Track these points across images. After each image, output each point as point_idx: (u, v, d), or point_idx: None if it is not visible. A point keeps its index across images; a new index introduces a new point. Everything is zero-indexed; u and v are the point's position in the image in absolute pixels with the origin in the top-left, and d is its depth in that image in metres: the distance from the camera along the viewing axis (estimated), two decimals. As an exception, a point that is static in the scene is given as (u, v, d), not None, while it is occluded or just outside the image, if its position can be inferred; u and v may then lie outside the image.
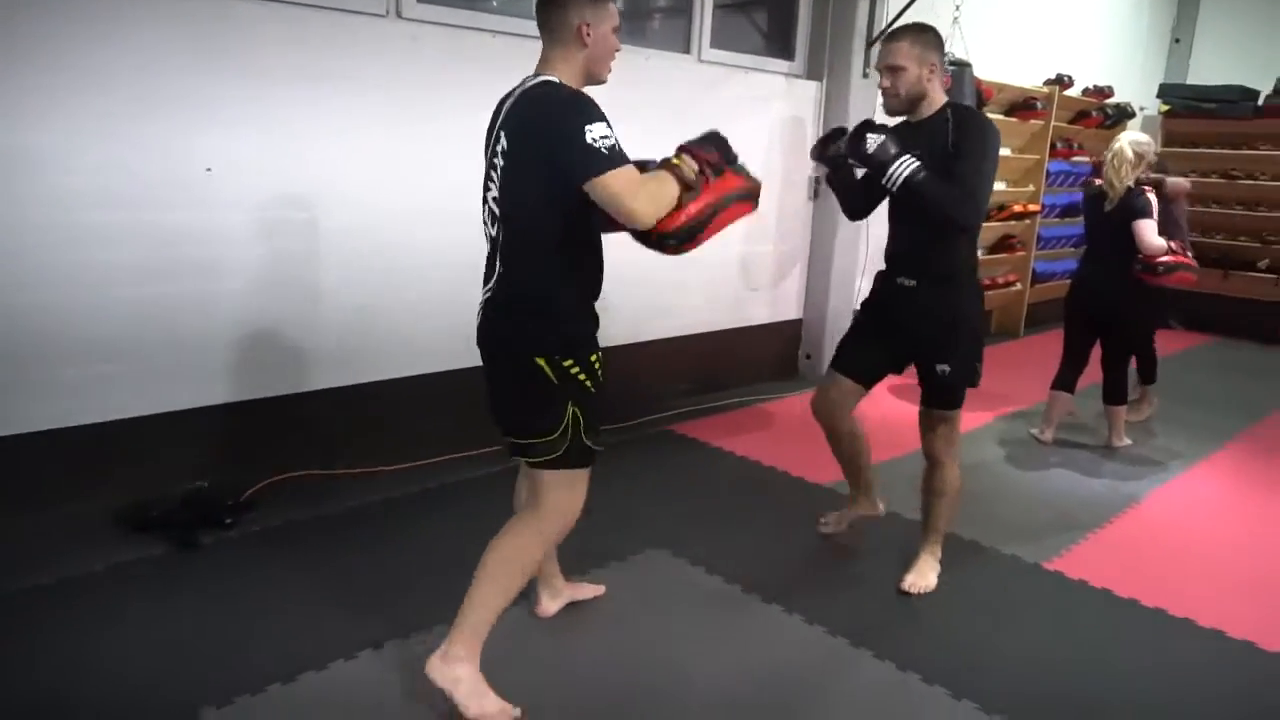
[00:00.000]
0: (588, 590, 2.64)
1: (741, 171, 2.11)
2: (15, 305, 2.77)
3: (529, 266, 1.97)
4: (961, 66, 4.86)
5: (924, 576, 2.82)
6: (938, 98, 2.54)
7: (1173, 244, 3.99)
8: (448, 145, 3.51)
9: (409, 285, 3.57)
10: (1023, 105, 6.37)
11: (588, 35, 1.94)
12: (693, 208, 1.97)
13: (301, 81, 3.18)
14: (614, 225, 1.95)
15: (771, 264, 5.17)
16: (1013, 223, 6.63)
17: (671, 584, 2.80)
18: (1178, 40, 8.53)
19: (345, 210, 3.37)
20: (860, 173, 2.71)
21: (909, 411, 4.44)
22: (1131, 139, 3.99)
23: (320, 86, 3.23)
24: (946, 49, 4.87)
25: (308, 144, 3.24)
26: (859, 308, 2.98)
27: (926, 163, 2.40)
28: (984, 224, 6.51)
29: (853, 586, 2.86)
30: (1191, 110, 7.72)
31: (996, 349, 6.59)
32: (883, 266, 2.78)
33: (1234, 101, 7.45)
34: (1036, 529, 3.35)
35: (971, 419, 4.70)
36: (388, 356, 3.59)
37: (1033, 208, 6.60)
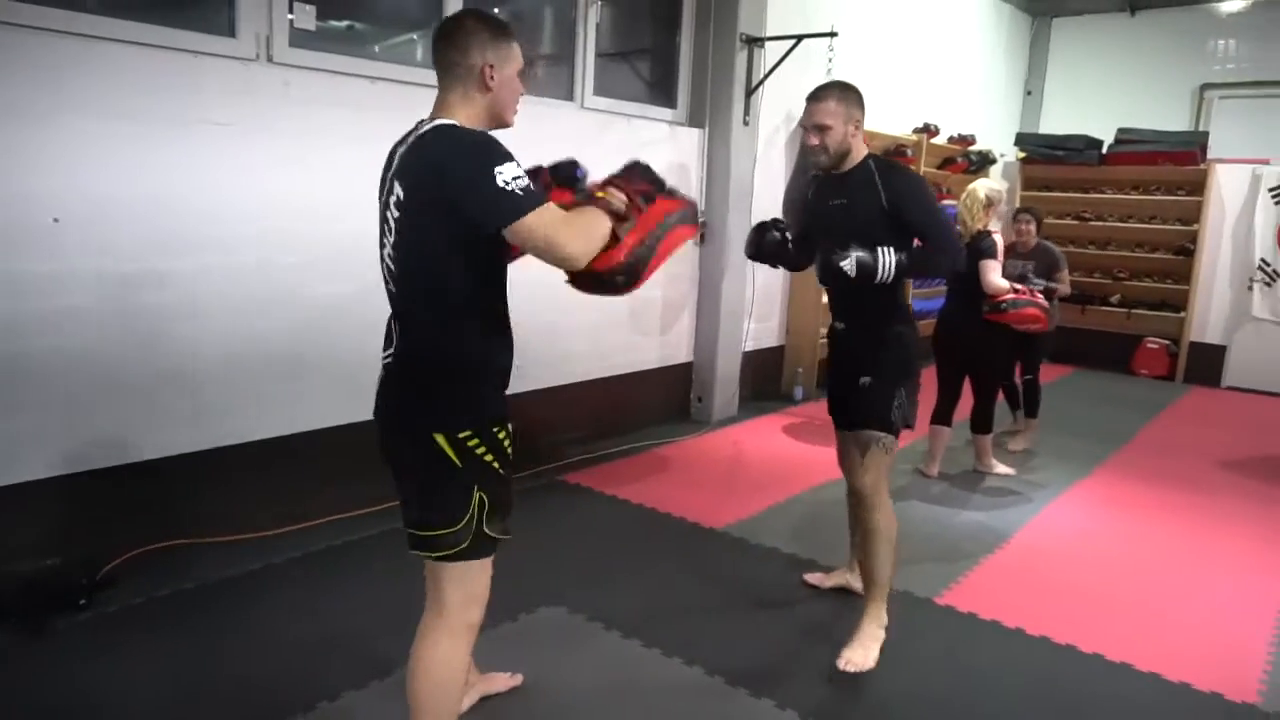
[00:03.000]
0: (502, 681, 2.43)
1: (674, 194, 1.98)
2: None
3: (431, 329, 1.77)
4: (836, 115, 5.04)
5: (864, 648, 2.63)
6: (860, 151, 2.62)
7: (1018, 285, 4.25)
8: (322, 191, 3.39)
9: (280, 337, 3.40)
10: (894, 152, 6.67)
11: (491, 78, 1.79)
12: (631, 239, 1.83)
13: (164, 126, 3.01)
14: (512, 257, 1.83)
15: (660, 308, 5.20)
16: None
17: (567, 642, 2.71)
18: (1030, 92, 9.17)
19: (208, 258, 3.19)
20: (788, 234, 2.78)
21: (799, 450, 4.45)
22: (985, 184, 4.24)
23: (186, 131, 3.07)
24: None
25: (170, 190, 3.06)
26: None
27: (858, 213, 2.53)
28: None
29: (752, 633, 2.84)
30: (1044, 157, 8.26)
31: (880, 385, 6.79)
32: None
33: (1080, 150, 8.03)
34: (926, 563, 3.42)
35: (860, 456, 4.80)
36: (259, 413, 3.39)
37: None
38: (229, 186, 3.20)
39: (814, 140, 2.59)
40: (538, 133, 4.36)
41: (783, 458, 4.73)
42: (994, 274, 4.10)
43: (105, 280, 2.96)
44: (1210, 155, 7.52)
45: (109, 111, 2.89)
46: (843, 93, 2.60)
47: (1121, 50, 8.52)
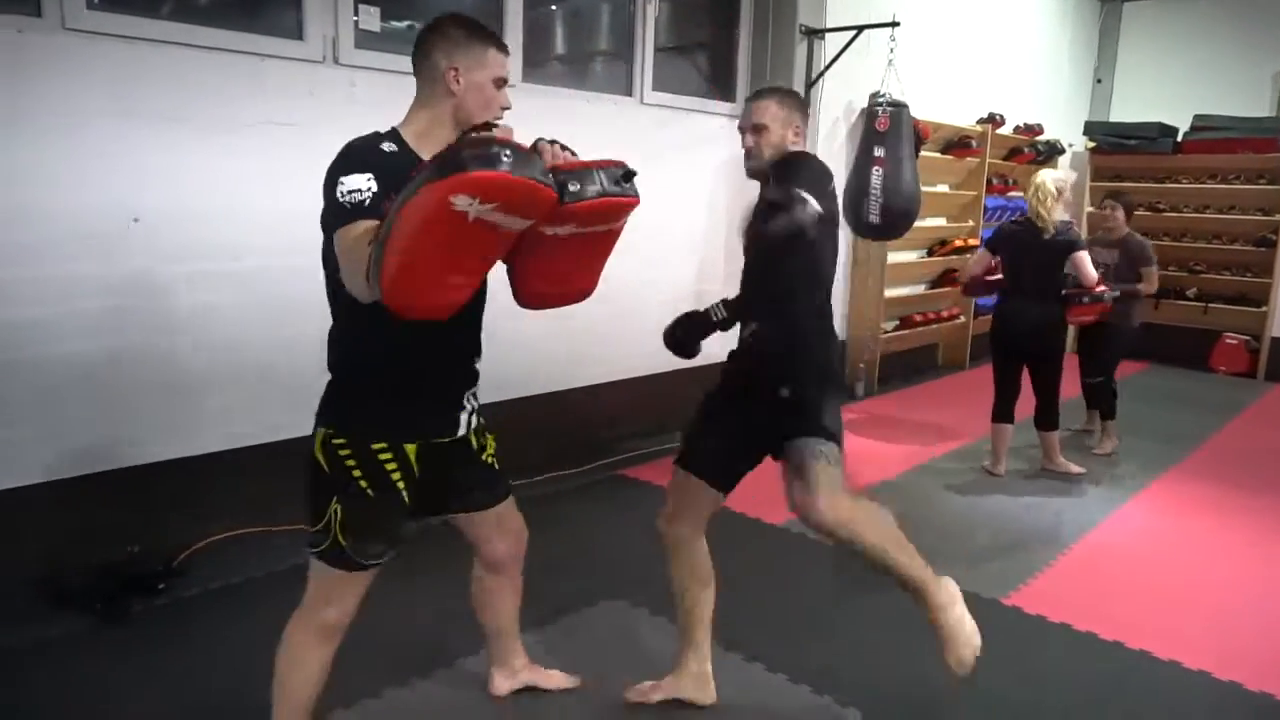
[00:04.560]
0: (556, 679, 2.40)
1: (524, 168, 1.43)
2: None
3: (335, 337, 1.79)
4: (899, 107, 4.96)
5: (960, 645, 2.19)
6: None
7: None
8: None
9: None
10: (958, 143, 6.54)
11: (456, 82, 1.72)
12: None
13: (231, 128, 3.10)
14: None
15: (719, 303, 5.16)
16: (954, 257, 6.76)
17: (631, 636, 2.72)
18: (1099, 80, 8.88)
19: (283, 259, 3.27)
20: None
21: (860, 447, 4.41)
22: (1052, 175, 4.15)
23: (252, 133, 3.15)
24: (883, 90, 5.01)
25: (238, 190, 3.15)
26: None
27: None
28: (929, 258, 6.65)
29: (814, 631, 2.82)
30: (1115, 147, 8.01)
31: (942, 382, 6.68)
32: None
33: (1153, 138, 7.76)
34: (992, 564, 3.34)
35: (920, 453, 4.73)
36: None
37: (972, 242, 6.74)
38: (296, 187, 3.27)
39: (749, 142, 2.30)
40: (598, 129, 4.40)
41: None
42: (1090, 265, 4.07)
43: (190, 278, 3.06)
44: (1293, 142, 7.20)
45: (176, 115, 2.98)
46: (784, 95, 2.34)
47: (1197, 35, 8.19)
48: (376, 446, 1.74)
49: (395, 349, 1.73)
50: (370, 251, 1.43)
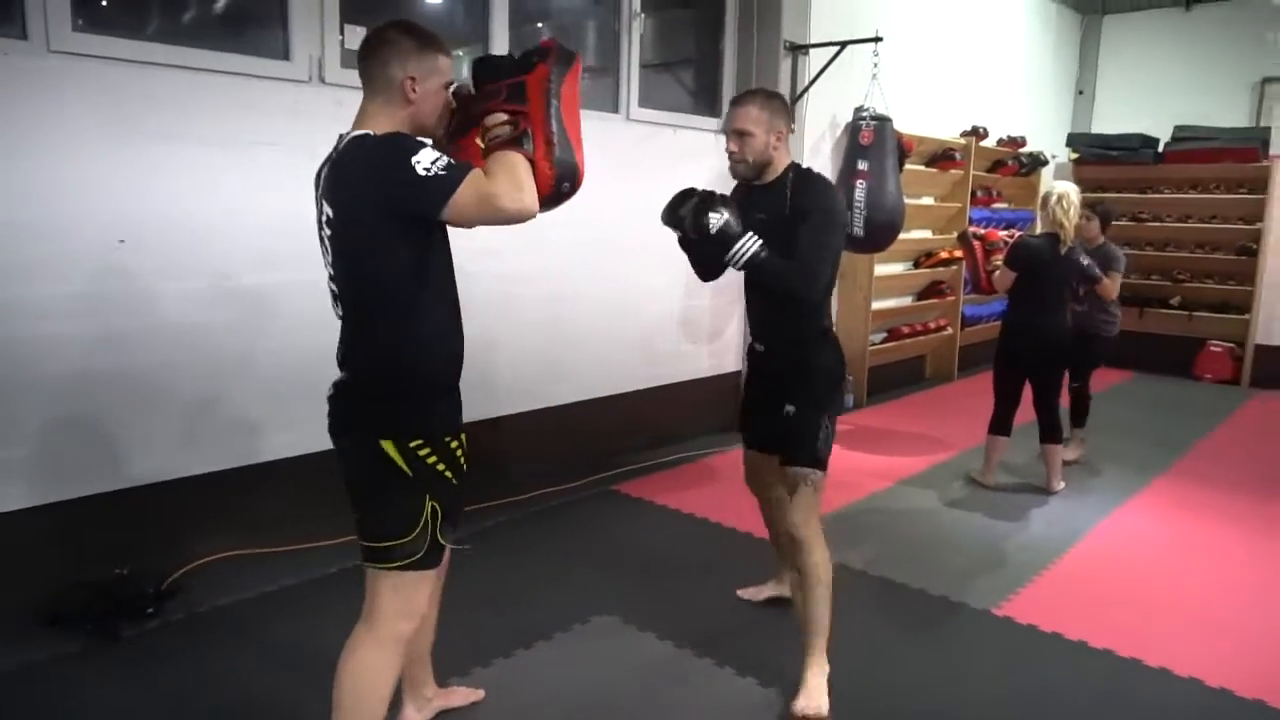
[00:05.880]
0: (461, 696, 2.38)
1: (530, 58, 1.84)
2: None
3: (375, 340, 1.78)
4: (882, 121, 5.01)
5: (815, 697, 2.41)
6: (783, 162, 2.46)
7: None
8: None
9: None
10: (943, 156, 6.59)
11: (413, 91, 1.76)
12: (541, 149, 1.76)
13: (218, 148, 3.10)
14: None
15: (708, 316, 5.19)
16: (940, 269, 6.80)
17: (621, 652, 2.72)
18: (1081, 92, 8.98)
19: (271, 275, 3.27)
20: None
21: (849, 459, 4.43)
22: (1074, 186, 4.17)
23: (242, 153, 3.16)
24: (867, 104, 5.06)
25: (226, 209, 3.15)
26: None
27: (774, 226, 2.36)
28: (915, 270, 6.68)
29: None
30: (1098, 158, 8.09)
31: (930, 394, 6.71)
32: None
33: (1136, 149, 7.85)
34: (983, 574, 3.35)
35: (910, 465, 4.74)
36: (319, 425, 3.44)
37: (958, 254, 6.78)
38: (282, 205, 3.28)
39: (733, 147, 2.43)
40: (585, 146, 4.41)
41: (832, 466, 4.67)
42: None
43: (179, 298, 3.05)
44: (1273, 151, 7.29)
45: (168, 135, 2.98)
46: (767, 100, 2.43)
47: (1177, 45, 8.30)
48: (448, 439, 1.82)
49: (440, 334, 1.82)
50: (536, 154, 1.74)
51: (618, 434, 4.72)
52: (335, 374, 1.85)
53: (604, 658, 2.67)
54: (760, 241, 2.31)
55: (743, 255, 2.31)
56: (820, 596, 2.45)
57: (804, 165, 2.49)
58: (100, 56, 2.83)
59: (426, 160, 1.65)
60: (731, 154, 2.45)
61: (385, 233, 1.70)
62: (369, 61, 1.78)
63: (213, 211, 3.11)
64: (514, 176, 1.71)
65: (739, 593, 3.11)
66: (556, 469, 4.24)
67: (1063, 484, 4.44)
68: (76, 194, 2.82)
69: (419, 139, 1.71)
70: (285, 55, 3.29)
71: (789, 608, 3.02)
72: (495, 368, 3.96)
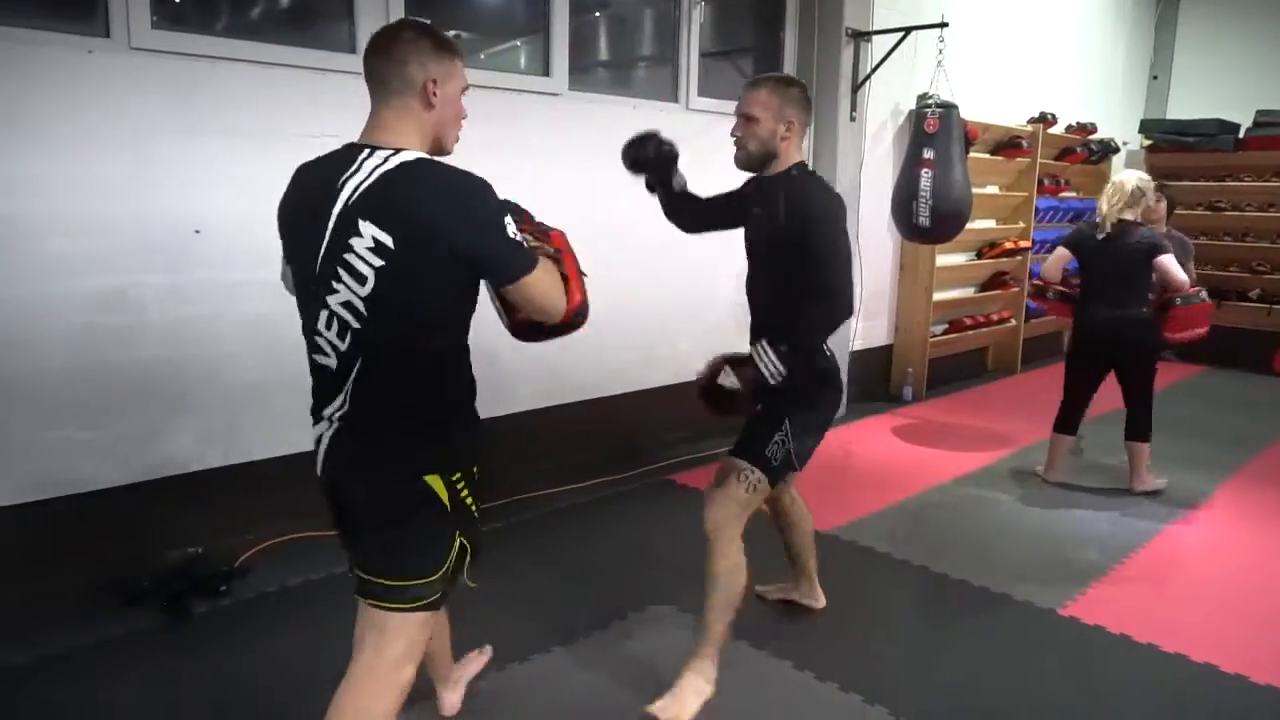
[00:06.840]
0: (476, 663, 2.45)
1: (542, 224, 1.83)
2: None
3: (412, 375, 1.62)
4: (948, 108, 4.90)
5: (677, 702, 2.28)
6: (789, 159, 2.35)
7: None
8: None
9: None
10: (1008, 144, 6.43)
11: (434, 95, 1.62)
12: (574, 277, 1.75)
13: (288, 141, 3.18)
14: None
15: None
16: (1004, 260, 6.65)
17: (676, 640, 2.72)
18: (1155, 77, 8.68)
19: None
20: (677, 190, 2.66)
21: (908, 453, 4.37)
22: (1136, 174, 4.00)
23: (315, 144, 3.22)
24: (932, 91, 4.95)
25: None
26: None
27: (767, 227, 2.32)
28: (978, 261, 6.54)
29: (865, 638, 2.79)
30: (1173, 144, 7.81)
31: (992, 387, 6.57)
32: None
33: (1213, 135, 7.55)
34: (1049, 572, 3.28)
35: (974, 460, 4.66)
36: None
37: (1024, 244, 6.63)
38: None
39: (737, 131, 2.35)
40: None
41: (891, 460, 4.62)
42: (1176, 266, 3.86)
43: (257, 288, 3.14)
44: (1362, 137, 6.97)
45: (236, 129, 3.07)
46: (781, 86, 2.31)
47: (1258, 28, 7.95)
48: (476, 470, 1.72)
49: (471, 382, 1.75)
50: (571, 279, 1.73)
51: (672, 425, 4.71)
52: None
53: (661, 646, 2.68)
54: (774, 358, 2.18)
55: (777, 372, 2.19)
56: (719, 603, 2.31)
57: (835, 160, 2.42)
58: (176, 53, 2.92)
59: (514, 225, 1.59)
60: (735, 138, 2.37)
61: (451, 271, 1.57)
62: (381, 61, 1.62)
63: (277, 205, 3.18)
64: (559, 286, 1.71)
65: (758, 589, 2.93)
66: (610, 459, 4.26)
67: (1161, 482, 4.23)
68: (154, 185, 2.91)
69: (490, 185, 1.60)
70: (352, 49, 3.34)
71: (852, 604, 3.01)
72: (549, 359, 3.99)
